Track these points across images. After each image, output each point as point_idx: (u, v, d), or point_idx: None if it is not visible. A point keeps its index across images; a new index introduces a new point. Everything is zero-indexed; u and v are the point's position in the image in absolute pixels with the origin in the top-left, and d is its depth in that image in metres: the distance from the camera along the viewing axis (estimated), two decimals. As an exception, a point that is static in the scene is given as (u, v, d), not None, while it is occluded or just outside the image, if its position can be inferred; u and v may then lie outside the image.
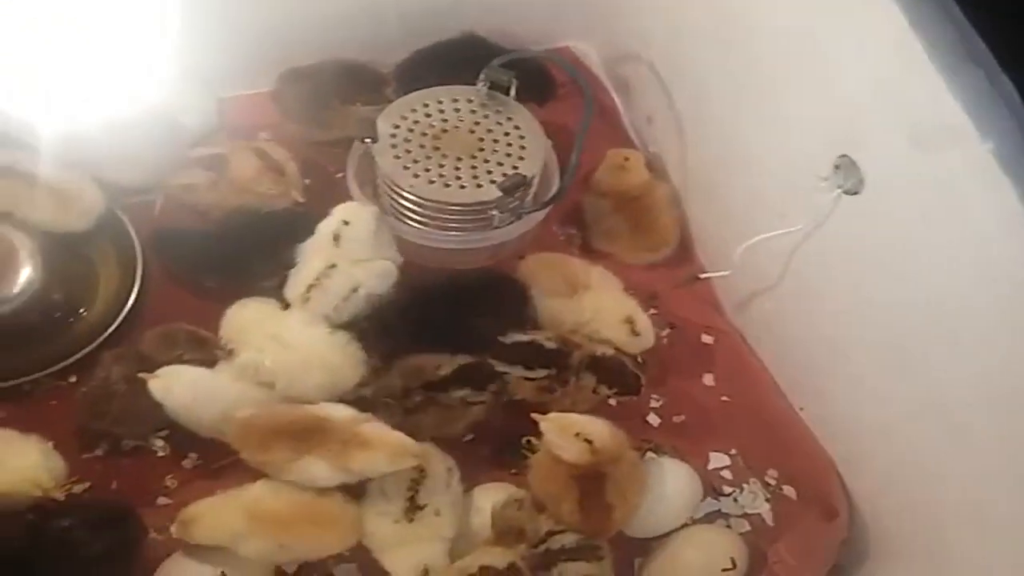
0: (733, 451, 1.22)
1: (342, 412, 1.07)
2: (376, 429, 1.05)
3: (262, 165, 1.29)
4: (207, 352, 1.15)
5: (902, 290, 1.00)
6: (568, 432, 1.07)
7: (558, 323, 1.20)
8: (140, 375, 1.09)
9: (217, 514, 1.04)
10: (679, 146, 1.37)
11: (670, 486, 1.13)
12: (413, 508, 1.06)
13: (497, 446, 1.19)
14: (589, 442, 1.06)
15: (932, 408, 1.00)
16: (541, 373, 1.13)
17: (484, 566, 1.02)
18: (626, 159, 1.34)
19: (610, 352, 1.17)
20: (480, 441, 1.18)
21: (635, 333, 1.20)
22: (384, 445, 1.04)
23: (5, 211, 1.24)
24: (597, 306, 1.21)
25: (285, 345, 1.13)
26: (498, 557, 1.04)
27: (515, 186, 1.19)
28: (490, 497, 1.11)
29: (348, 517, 1.08)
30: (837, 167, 1.02)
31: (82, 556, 1.02)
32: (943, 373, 0.98)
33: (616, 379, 1.15)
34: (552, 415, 1.08)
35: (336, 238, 1.16)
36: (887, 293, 1.02)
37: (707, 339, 1.31)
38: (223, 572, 1.04)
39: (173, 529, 1.03)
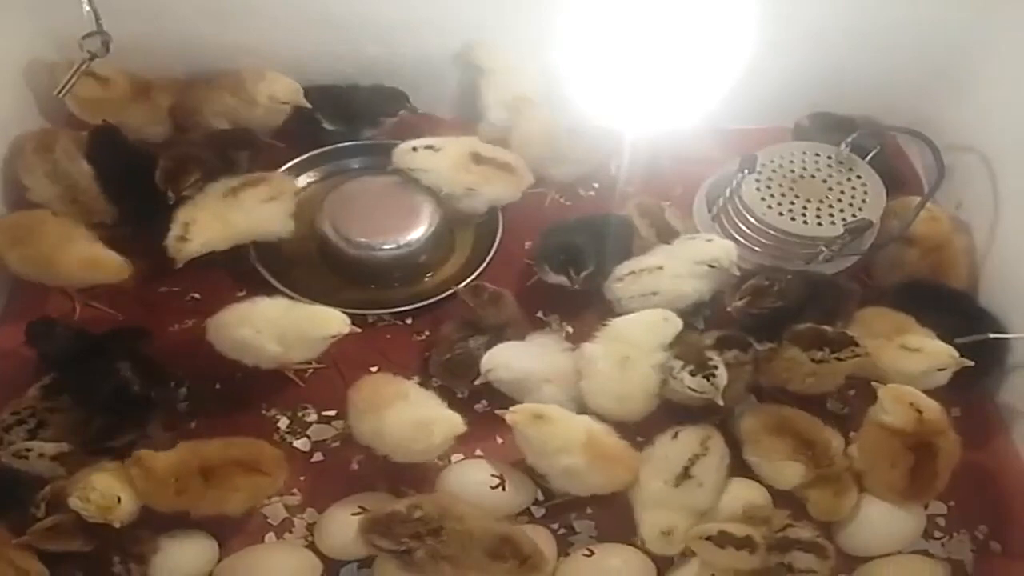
0: (952, 503, 1.33)
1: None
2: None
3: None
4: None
5: None
6: (902, 400, 1.20)
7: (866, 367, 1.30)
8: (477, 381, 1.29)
9: (567, 422, 1.20)
10: (985, 233, 1.55)
11: (898, 516, 1.24)
12: (683, 476, 1.20)
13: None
14: (919, 412, 1.19)
15: None
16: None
17: (723, 530, 1.14)
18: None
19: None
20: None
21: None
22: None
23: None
24: (904, 368, 1.29)
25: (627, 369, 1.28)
26: (737, 528, 1.15)
27: (860, 228, 1.43)
28: (744, 489, 1.25)
29: (636, 466, 1.23)
30: None
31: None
32: None
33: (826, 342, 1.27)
34: (891, 385, 1.22)
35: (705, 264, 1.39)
36: None
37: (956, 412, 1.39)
38: (501, 475, 1.23)
39: (521, 423, 1.18)
